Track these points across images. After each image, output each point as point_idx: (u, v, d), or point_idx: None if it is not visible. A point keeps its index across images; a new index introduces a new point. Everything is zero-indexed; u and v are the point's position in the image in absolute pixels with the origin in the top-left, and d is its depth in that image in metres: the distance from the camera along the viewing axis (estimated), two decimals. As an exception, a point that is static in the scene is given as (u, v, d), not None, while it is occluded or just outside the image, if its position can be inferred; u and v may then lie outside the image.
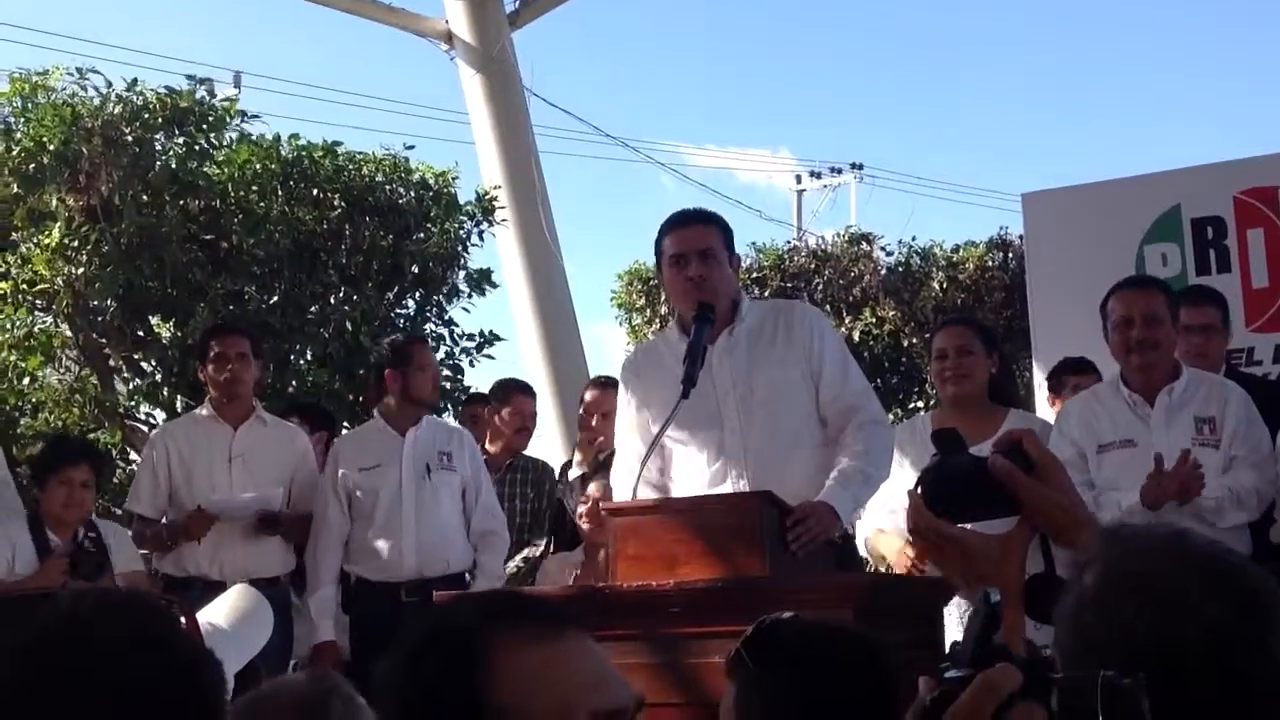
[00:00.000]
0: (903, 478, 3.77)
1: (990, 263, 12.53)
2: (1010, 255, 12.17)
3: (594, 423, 5.60)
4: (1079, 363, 5.31)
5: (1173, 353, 4.12)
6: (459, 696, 1.28)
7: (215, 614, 2.31)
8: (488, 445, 5.90)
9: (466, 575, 4.98)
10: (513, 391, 6.14)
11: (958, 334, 4.47)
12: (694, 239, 3.60)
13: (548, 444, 8.81)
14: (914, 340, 11.57)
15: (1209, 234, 6.03)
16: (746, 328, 3.66)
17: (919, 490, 1.71)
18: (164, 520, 5.01)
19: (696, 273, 3.56)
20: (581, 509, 4.79)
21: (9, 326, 7.66)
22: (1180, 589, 1.34)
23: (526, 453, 6.10)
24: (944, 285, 12.42)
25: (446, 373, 8.18)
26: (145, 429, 7.59)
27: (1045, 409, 5.66)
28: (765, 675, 1.94)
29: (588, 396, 5.72)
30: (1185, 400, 4.04)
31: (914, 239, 13.22)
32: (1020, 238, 10.11)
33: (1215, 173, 6.26)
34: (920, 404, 11.07)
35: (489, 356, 8.30)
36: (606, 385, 5.74)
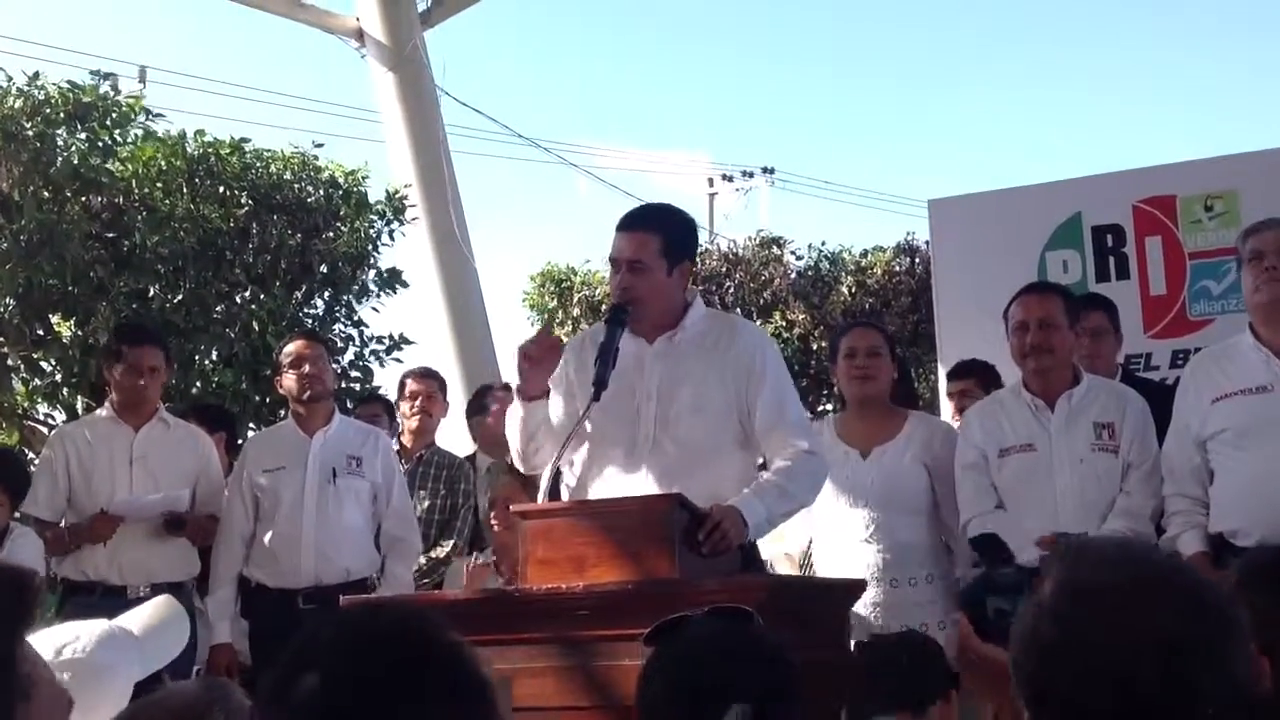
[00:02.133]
0: None
1: (897, 267, 12.74)
2: (917, 260, 12.39)
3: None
4: (963, 368, 5.41)
5: (1070, 358, 4.21)
6: None
7: (131, 619, 2.27)
8: (401, 439, 5.87)
9: (372, 580, 4.89)
10: (403, 379, 6.14)
11: (868, 335, 4.53)
12: (625, 248, 3.51)
13: (459, 445, 8.74)
14: (823, 344, 11.75)
15: (1108, 241, 6.17)
16: (689, 336, 3.56)
17: (965, 615, 1.67)
18: (63, 523, 4.91)
19: (620, 284, 3.51)
20: (491, 513, 4.78)
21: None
22: (1135, 599, 1.36)
23: (443, 447, 6.04)
24: (852, 289, 12.60)
25: (356, 374, 8.12)
26: (44, 430, 7.42)
27: (950, 412, 5.74)
28: (656, 658, 1.97)
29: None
30: (1085, 406, 4.12)
31: (823, 243, 13.42)
32: (927, 243, 10.28)
33: (1115, 181, 6.40)
34: (829, 406, 11.21)
35: (397, 360, 8.24)
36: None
